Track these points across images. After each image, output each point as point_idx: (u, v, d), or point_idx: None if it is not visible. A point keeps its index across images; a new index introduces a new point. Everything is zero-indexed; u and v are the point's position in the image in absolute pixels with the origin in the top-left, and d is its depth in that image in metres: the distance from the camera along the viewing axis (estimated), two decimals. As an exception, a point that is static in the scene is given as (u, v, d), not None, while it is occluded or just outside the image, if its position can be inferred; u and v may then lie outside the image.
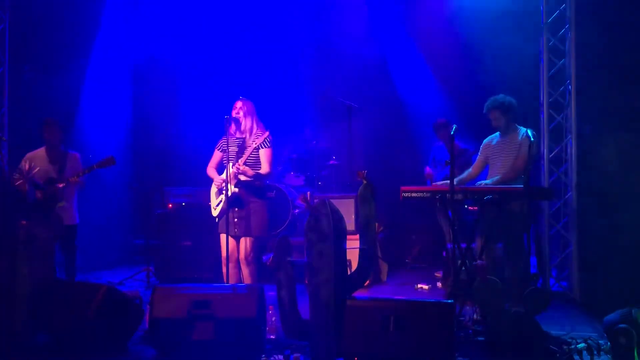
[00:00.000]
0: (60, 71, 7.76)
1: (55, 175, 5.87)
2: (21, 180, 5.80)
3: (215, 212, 5.47)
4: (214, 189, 5.54)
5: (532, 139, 4.97)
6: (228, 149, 5.25)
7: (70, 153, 6.09)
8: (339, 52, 8.22)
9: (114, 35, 8.16)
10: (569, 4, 6.23)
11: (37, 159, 5.96)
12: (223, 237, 5.35)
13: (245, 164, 5.26)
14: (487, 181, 5.39)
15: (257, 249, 5.60)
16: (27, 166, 5.76)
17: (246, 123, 5.41)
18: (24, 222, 4.86)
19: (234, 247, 5.34)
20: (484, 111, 5.48)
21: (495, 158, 5.49)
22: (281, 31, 8.21)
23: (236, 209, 5.29)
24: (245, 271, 5.32)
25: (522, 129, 5.41)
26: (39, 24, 7.48)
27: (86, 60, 7.98)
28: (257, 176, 5.33)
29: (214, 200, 5.50)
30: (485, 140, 5.67)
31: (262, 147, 5.33)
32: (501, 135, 5.51)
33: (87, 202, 6.47)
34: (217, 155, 5.58)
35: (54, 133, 5.99)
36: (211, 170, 5.57)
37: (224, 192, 5.29)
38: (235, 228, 5.25)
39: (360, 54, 8.19)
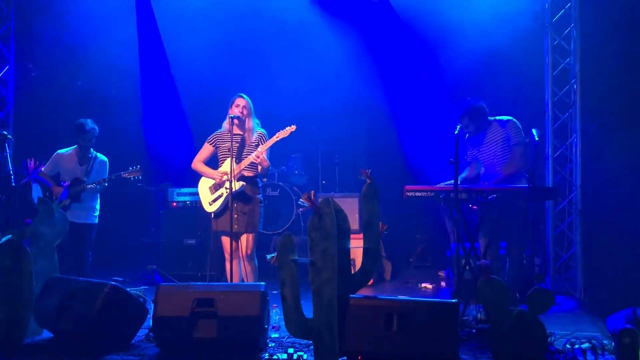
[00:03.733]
0: (64, 69, 7.78)
1: (82, 177, 5.99)
2: (26, 179, 5.84)
3: (211, 208, 5.38)
4: (204, 184, 5.46)
5: (536, 138, 4.97)
6: (232, 145, 5.21)
7: (99, 157, 6.20)
8: (344, 51, 8.20)
9: (118, 33, 8.16)
10: (574, 3, 6.22)
11: (67, 158, 6.10)
12: (224, 235, 5.35)
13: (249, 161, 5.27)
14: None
15: (258, 245, 5.59)
16: (32, 164, 5.80)
17: (248, 122, 5.40)
18: (28, 220, 4.89)
19: (235, 244, 5.32)
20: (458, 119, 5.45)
21: (485, 157, 5.43)
22: (285, 28, 8.20)
23: (236, 205, 5.23)
24: (247, 267, 5.31)
25: (502, 121, 5.35)
26: (43, 22, 7.51)
27: (90, 57, 7.99)
28: (266, 170, 5.35)
29: (208, 196, 5.42)
30: (465, 141, 5.60)
31: (262, 144, 5.33)
32: (479, 137, 5.45)
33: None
34: (207, 149, 5.48)
35: (88, 138, 6.09)
36: (200, 165, 5.46)
37: (223, 187, 5.25)
38: (236, 224, 5.22)
39: (364, 53, 8.18)
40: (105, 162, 6.26)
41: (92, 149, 6.22)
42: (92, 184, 5.99)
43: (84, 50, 7.89)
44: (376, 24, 8.13)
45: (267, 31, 8.26)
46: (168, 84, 8.62)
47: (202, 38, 8.30)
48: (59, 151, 6.20)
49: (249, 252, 5.32)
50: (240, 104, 5.37)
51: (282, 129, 5.24)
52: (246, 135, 5.40)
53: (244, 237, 5.31)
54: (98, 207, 6.22)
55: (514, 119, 5.33)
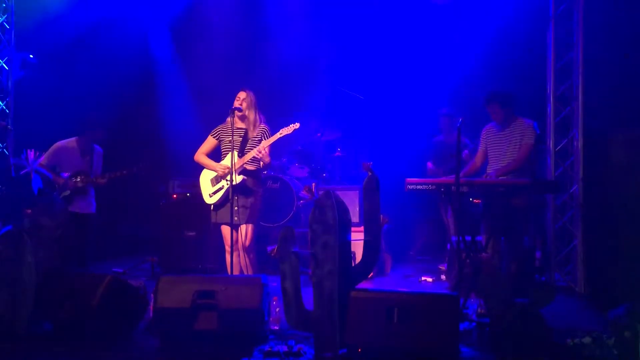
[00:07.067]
0: (65, 59, 7.76)
1: (85, 169, 5.98)
2: (27, 169, 5.83)
3: (211, 200, 5.40)
4: (206, 176, 5.48)
5: (537, 132, 4.98)
6: (233, 137, 5.21)
7: (96, 148, 6.19)
8: (346, 44, 8.19)
9: (119, 26, 8.13)
10: (577, -4, 6.18)
11: (68, 150, 6.06)
12: (224, 226, 5.35)
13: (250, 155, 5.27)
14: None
15: (257, 236, 5.59)
16: (32, 155, 5.80)
17: (250, 115, 5.40)
18: (29, 211, 4.89)
19: (235, 235, 5.33)
20: (483, 103, 5.48)
21: (497, 149, 5.48)
22: (287, 22, 8.18)
23: (237, 198, 5.24)
24: (247, 259, 5.32)
25: (526, 120, 5.39)
26: (45, 11, 7.47)
27: (90, 48, 7.97)
28: (267, 165, 5.37)
29: (209, 188, 5.44)
30: (484, 130, 5.66)
31: (265, 139, 5.33)
32: (501, 127, 5.50)
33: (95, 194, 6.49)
34: (210, 142, 5.51)
35: (97, 133, 6.09)
36: (202, 157, 5.49)
37: (224, 180, 5.27)
38: (236, 216, 5.23)
39: (366, 47, 8.16)
40: (102, 153, 6.26)
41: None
42: (103, 178, 5.98)
43: (85, 39, 7.86)
44: (378, 16, 8.10)
45: (270, 22, 8.25)
46: (172, 75, 8.61)
47: (209, 29, 8.29)
48: (59, 142, 6.16)
49: (247, 243, 5.34)
50: (241, 97, 5.39)
51: (286, 126, 5.24)
52: (249, 129, 5.41)
53: (243, 228, 5.32)
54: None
55: (535, 124, 5.34)
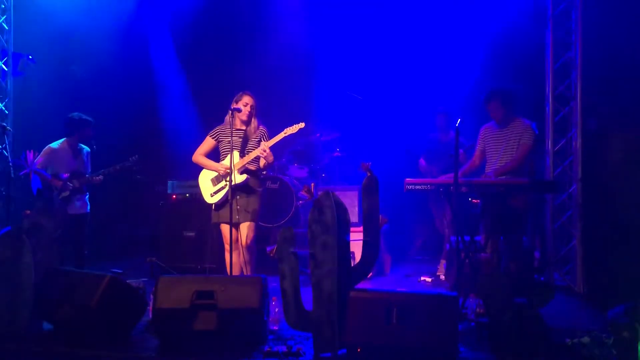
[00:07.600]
0: (64, 60, 7.75)
1: (80, 169, 6.01)
2: (26, 170, 5.84)
3: (213, 199, 5.40)
4: (206, 176, 5.48)
5: (536, 132, 4.98)
6: (232, 136, 5.21)
7: (84, 147, 6.21)
8: (344, 45, 8.19)
9: (118, 26, 8.13)
10: (576, -5, 6.19)
11: (61, 152, 6.08)
12: (224, 225, 5.36)
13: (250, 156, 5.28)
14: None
15: (257, 237, 5.60)
16: (31, 156, 5.80)
17: (253, 120, 5.41)
18: (28, 212, 4.89)
19: (235, 234, 5.33)
20: (483, 101, 5.48)
21: (495, 148, 5.48)
22: (286, 22, 8.18)
23: (238, 197, 5.25)
24: (246, 256, 5.32)
25: (525, 121, 5.40)
26: (43, 12, 7.48)
27: (89, 49, 7.97)
28: (270, 164, 5.39)
29: (210, 187, 5.44)
30: (482, 129, 5.66)
31: (264, 140, 5.34)
32: (500, 126, 5.50)
33: (91, 193, 6.50)
34: (209, 142, 5.49)
35: (86, 132, 6.13)
36: (201, 158, 5.48)
37: (225, 179, 5.28)
38: (237, 215, 5.24)
39: (364, 47, 8.17)
40: (89, 151, 6.30)
41: None
42: (99, 176, 6.01)
43: (85, 40, 7.85)
44: (375, 16, 8.10)
45: (269, 23, 8.25)
46: (173, 74, 8.61)
47: (208, 30, 8.29)
48: (51, 145, 6.11)
49: (248, 241, 5.33)
50: (248, 103, 5.39)
51: (290, 126, 5.24)
52: (248, 130, 5.41)
53: (244, 226, 5.31)
54: None
55: (534, 124, 5.36)
